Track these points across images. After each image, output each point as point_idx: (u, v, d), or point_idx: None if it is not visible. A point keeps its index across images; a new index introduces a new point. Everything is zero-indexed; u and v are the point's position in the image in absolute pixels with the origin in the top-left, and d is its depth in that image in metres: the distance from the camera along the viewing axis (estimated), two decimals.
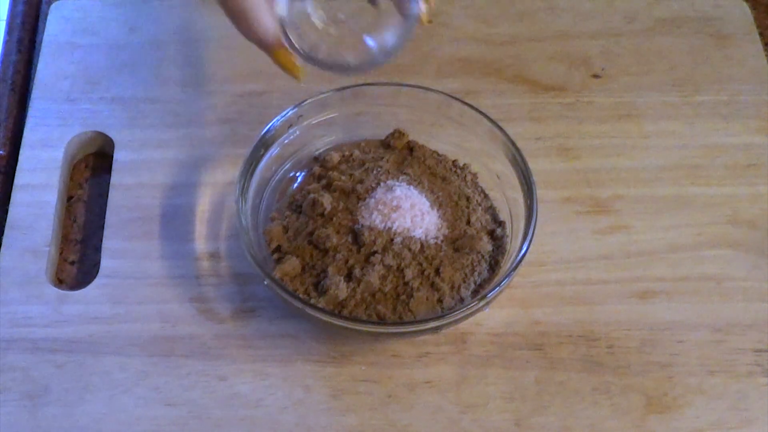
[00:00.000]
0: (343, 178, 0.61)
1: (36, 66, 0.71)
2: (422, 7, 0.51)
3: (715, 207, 0.65)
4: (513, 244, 0.59)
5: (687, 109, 0.70)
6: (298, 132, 0.63)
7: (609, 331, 0.60)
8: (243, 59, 0.69)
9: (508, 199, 0.61)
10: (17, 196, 0.64)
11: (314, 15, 0.53)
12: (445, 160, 0.63)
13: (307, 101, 0.62)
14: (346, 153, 0.64)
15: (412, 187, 0.59)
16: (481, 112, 0.61)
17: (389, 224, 0.57)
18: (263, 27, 0.51)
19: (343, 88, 0.62)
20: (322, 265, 0.57)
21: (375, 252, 0.57)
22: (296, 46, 0.52)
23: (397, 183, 0.60)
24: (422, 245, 0.57)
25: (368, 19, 0.53)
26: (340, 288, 0.56)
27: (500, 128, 0.60)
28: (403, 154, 0.64)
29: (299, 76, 0.55)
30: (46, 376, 0.57)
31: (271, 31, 0.51)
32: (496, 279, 0.57)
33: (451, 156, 0.64)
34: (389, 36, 0.52)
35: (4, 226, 0.63)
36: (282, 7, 0.51)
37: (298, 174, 0.63)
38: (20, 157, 0.66)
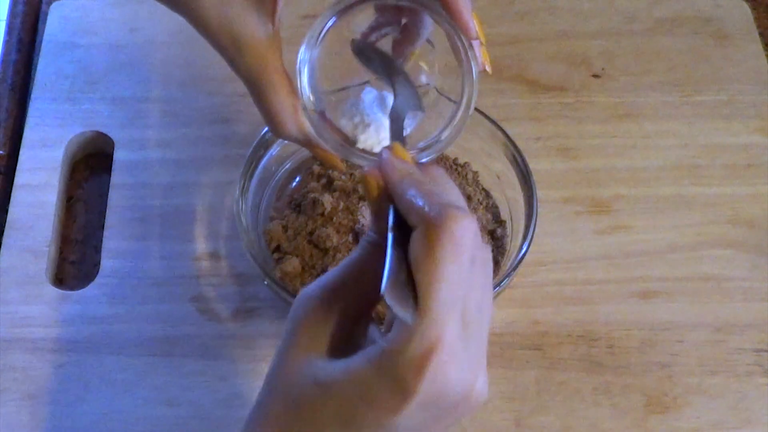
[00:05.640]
0: (343, 177, 0.61)
1: (36, 66, 0.71)
2: (480, 60, 0.46)
3: (715, 207, 0.65)
4: (513, 244, 0.59)
5: (687, 109, 0.70)
6: None
7: (609, 331, 0.60)
8: None
9: (508, 199, 0.61)
10: (17, 196, 0.64)
11: (347, 111, 0.50)
12: (446, 158, 0.63)
13: None
14: None
15: None
16: (481, 112, 0.61)
17: None
18: (287, 132, 0.50)
19: (344, 89, 0.62)
20: (322, 265, 0.57)
21: None
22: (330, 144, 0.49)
23: None
24: None
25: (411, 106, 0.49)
26: None
27: (500, 128, 0.60)
28: None
29: (339, 167, 0.53)
30: (46, 376, 0.57)
31: (293, 134, 0.50)
32: (496, 279, 0.57)
33: (450, 156, 0.64)
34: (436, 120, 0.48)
35: (4, 226, 0.63)
36: (308, 104, 0.48)
37: (297, 174, 0.63)
38: (20, 157, 0.66)
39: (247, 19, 0.47)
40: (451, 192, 0.39)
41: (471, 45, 0.46)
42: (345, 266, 0.40)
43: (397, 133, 0.46)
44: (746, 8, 0.76)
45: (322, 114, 0.49)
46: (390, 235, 0.37)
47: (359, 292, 0.39)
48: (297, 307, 0.39)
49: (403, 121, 0.48)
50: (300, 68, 0.48)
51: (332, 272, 0.40)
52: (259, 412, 0.39)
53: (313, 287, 0.39)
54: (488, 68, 0.47)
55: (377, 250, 0.39)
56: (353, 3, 0.47)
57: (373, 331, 0.39)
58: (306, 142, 0.51)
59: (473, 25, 0.45)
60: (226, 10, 0.46)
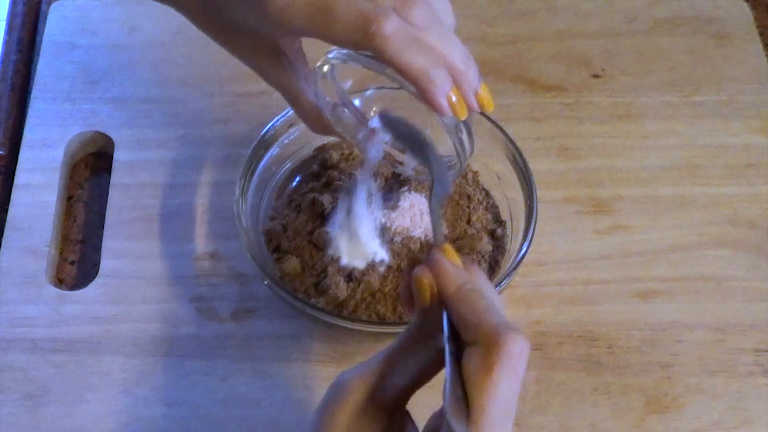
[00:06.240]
0: (343, 177, 0.61)
1: (36, 66, 0.71)
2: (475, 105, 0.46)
3: (715, 207, 0.65)
4: (513, 244, 0.59)
5: (687, 109, 0.70)
6: (298, 132, 0.62)
7: (609, 331, 0.60)
8: None
9: (508, 199, 0.61)
10: (17, 196, 0.64)
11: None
12: None
13: None
14: (346, 152, 0.63)
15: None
16: (481, 112, 0.61)
17: (389, 224, 0.57)
18: (317, 133, 0.53)
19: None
20: (322, 265, 0.57)
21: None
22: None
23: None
24: (422, 245, 0.57)
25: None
26: (340, 288, 0.56)
27: (500, 128, 0.60)
28: None
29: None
30: (46, 376, 0.57)
31: (323, 134, 0.53)
32: (496, 279, 0.57)
33: None
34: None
35: (4, 226, 0.63)
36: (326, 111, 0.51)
37: (297, 174, 0.63)
38: (20, 157, 0.66)
39: (261, 53, 0.48)
40: (496, 300, 0.40)
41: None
42: (384, 358, 0.40)
43: (438, 227, 0.45)
44: (746, 8, 0.76)
45: (349, 104, 0.51)
46: (447, 348, 0.38)
47: (397, 383, 0.40)
48: (335, 394, 0.40)
49: (442, 210, 0.47)
50: (317, 78, 0.49)
51: (371, 362, 0.40)
52: None
53: (351, 375, 0.40)
54: (489, 109, 0.47)
55: (417, 345, 0.40)
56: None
57: (411, 428, 0.41)
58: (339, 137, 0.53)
59: (448, 110, 0.44)
60: (241, 43, 0.47)
